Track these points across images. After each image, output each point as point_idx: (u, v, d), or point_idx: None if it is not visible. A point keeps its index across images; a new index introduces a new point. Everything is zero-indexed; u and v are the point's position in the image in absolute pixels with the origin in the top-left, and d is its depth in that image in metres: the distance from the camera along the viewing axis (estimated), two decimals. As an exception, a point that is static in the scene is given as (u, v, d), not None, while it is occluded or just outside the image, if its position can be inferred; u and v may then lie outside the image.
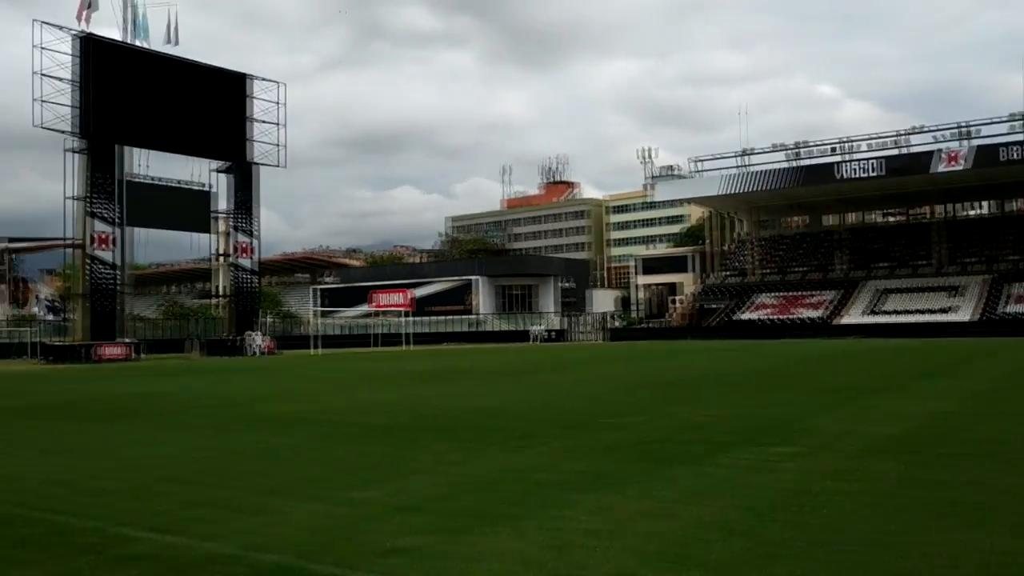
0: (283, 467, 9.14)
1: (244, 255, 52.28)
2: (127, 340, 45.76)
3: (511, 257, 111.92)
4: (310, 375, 27.43)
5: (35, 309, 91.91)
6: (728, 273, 79.88)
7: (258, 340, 50.14)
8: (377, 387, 21.13)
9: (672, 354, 37.96)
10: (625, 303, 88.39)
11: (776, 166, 73.63)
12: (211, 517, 6.63)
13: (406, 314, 62.67)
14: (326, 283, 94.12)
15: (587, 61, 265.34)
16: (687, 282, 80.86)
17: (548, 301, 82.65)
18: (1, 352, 47.61)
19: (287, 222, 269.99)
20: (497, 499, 7.13)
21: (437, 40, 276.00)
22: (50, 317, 75.46)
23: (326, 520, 6.45)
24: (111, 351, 43.36)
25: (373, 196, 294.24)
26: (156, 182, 47.99)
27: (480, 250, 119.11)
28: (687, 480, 7.81)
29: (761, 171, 73.92)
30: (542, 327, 69.40)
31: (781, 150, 73.98)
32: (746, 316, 70.16)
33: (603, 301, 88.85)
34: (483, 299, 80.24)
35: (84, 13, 43.84)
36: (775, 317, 68.18)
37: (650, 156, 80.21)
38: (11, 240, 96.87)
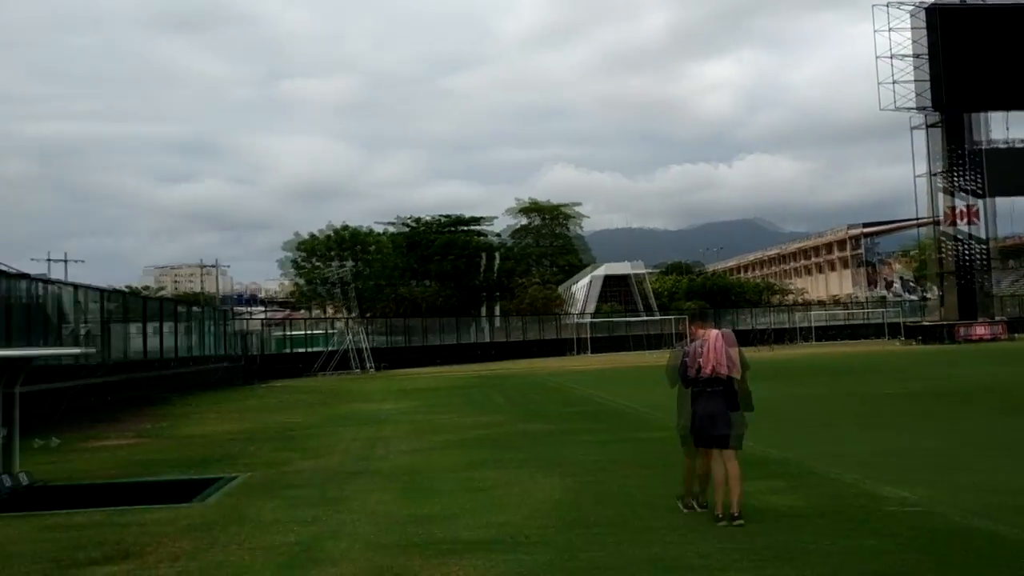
0: None
1: None
2: (994, 319, 42.58)
3: None
4: None
5: (883, 291, 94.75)
6: None
7: None
8: None
9: None
10: None
11: None
12: None
13: None
14: None
15: None
16: None
17: None
18: (859, 332, 49.51)
19: None
20: None
21: None
22: (905, 297, 76.56)
23: None
24: (978, 331, 40.75)
25: None
26: (1013, 146, 43.67)
27: None
28: None
29: None
30: None
31: None
32: None
33: None
34: None
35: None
36: None
37: None
38: (865, 226, 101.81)
